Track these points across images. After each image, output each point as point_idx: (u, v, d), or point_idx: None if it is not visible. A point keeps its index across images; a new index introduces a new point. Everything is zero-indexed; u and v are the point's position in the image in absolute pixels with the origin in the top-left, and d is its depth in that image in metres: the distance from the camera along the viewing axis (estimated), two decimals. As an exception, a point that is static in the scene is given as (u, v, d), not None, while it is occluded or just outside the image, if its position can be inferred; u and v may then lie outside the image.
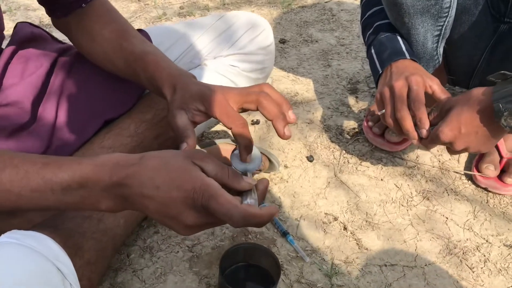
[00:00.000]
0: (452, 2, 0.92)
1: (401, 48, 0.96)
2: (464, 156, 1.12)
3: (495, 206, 0.99)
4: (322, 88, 1.37)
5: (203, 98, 0.67)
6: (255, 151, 0.68)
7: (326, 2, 1.89)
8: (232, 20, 1.01)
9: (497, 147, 1.05)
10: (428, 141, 0.83)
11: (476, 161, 1.07)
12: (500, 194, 1.01)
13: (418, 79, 0.86)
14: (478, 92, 0.77)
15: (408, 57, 0.94)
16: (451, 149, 0.84)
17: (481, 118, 0.76)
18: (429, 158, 1.11)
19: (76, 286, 0.55)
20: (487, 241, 0.92)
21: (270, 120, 0.65)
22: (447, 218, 0.96)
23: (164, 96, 0.73)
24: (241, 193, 0.56)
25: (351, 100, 1.32)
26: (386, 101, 0.89)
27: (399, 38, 0.98)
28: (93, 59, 0.87)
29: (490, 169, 1.02)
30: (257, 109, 0.66)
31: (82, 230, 0.70)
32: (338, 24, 1.72)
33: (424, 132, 0.83)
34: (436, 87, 0.86)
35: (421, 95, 0.84)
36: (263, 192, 0.58)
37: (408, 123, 0.84)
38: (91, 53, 0.86)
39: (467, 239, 0.92)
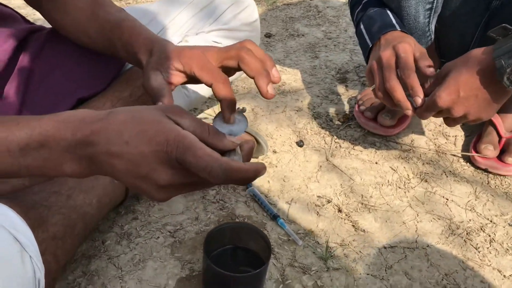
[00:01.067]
0: None
1: (391, 20, 0.92)
2: (460, 139, 1.07)
3: (496, 187, 0.94)
4: (311, 78, 1.32)
5: (180, 55, 0.61)
6: (239, 112, 0.61)
7: (311, 0, 1.86)
8: (213, -3, 0.96)
9: (495, 127, 1.01)
10: (424, 109, 0.77)
11: (474, 142, 1.03)
12: (501, 175, 0.96)
13: (405, 46, 0.80)
14: (477, 52, 0.73)
15: (399, 29, 0.89)
16: (449, 119, 0.78)
17: (481, 79, 0.71)
18: (424, 141, 1.06)
19: (36, 259, 0.47)
20: (491, 221, 0.86)
21: (251, 77, 0.59)
22: (447, 199, 0.90)
23: (140, 62, 0.67)
24: (223, 154, 0.49)
25: (341, 89, 1.27)
26: (374, 74, 0.83)
27: (388, 12, 0.94)
28: (66, 32, 0.81)
29: (490, 149, 0.97)
30: (239, 66, 0.60)
31: (48, 203, 0.62)
32: (324, 20, 1.69)
33: (418, 100, 0.77)
34: (418, 54, 0.81)
35: (410, 62, 0.79)
36: (249, 152, 0.51)
37: (399, 93, 0.79)
38: (64, 26, 0.80)
39: (470, 220, 0.86)
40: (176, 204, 0.87)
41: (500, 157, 0.97)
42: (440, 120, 1.13)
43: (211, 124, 0.53)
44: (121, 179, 0.45)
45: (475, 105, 0.74)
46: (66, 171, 0.46)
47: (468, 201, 0.90)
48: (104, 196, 0.74)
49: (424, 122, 1.13)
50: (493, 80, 0.70)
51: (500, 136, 1.00)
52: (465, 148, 1.04)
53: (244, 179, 0.44)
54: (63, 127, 0.45)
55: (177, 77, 0.62)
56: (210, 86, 0.60)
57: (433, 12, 0.94)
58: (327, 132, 1.09)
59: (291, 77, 1.33)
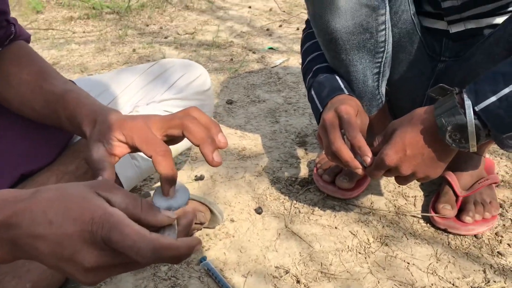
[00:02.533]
0: (387, 36, 0.92)
1: (340, 85, 0.94)
2: (420, 200, 1.07)
3: (457, 247, 0.92)
4: (271, 142, 1.32)
5: (122, 126, 0.60)
6: (181, 185, 0.59)
7: (272, 67, 1.92)
8: (167, 65, 0.97)
9: (451, 186, 1.01)
10: (373, 168, 0.77)
11: (432, 202, 1.02)
12: (460, 235, 0.95)
13: (347, 107, 0.82)
14: (420, 111, 0.74)
15: (346, 93, 0.91)
16: (399, 177, 0.78)
17: (425, 137, 0.72)
18: (384, 203, 1.05)
19: None
20: (453, 284, 0.83)
21: (197, 146, 0.58)
22: (408, 263, 0.88)
23: (85, 134, 0.65)
24: (158, 230, 0.46)
25: (300, 152, 1.27)
26: (322, 137, 0.84)
27: (337, 77, 0.96)
28: (10, 104, 0.79)
29: (447, 209, 0.97)
30: (183, 135, 0.59)
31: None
32: (284, 86, 1.73)
33: (367, 159, 0.77)
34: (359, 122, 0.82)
35: (353, 123, 0.80)
36: (186, 227, 0.49)
37: (345, 154, 0.79)
38: (8, 99, 0.78)
39: (432, 284, 0.83)
40: (124, 284, 0.82)
41: (459, 216, 0.97)
42: (399, 180, 1.13)
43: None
44: (46, 263, 0.42)
45: (422, 163, 0.74)
46: None
47: (430, 264, 0.87)
48: (40, 281, 0.69)
49: (383, 183, 1.12)
50: (437, 139, 0.71)
51: (456, 195, 1.00)
52: (425, 208, 1.03)
53: (176, 257, 0.41)
54: None
55: (120, 148, 0.60)
56: (150, 157, 0.58)
57: (381, 76, 0.97)
58: (287, 197, 1.07)
59: (251, 142, 1.32)
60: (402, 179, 0.78)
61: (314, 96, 0.97)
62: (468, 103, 0.67)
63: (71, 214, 0.40)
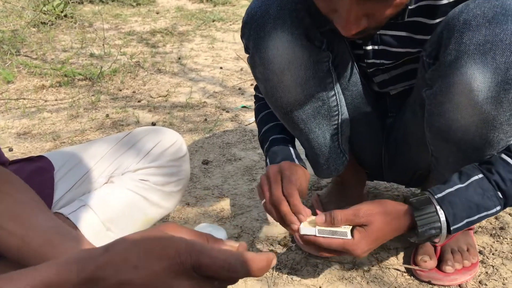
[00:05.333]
0: (338, 100, 0.96)
1: (291, 154, 0.98)
2: (401, 251, 1.06)
3: (443, 298, 0.91)
4: (249, 201, 1.32)
5: None
6: (212, 225, 0.59)
7: (246, 125, 1.95)
8: (140, 135, 0.97)
9: None
10: (336, 247, 0.77)
11: (412, 254, 1.02)
12: (444, 286, 0.94)
13: (288, 164, 0.88)
14: (397, 208, 0.79)
15: (296, 162, 0.95)
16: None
17: (395, 232, 0.79)
18: (366, 258, 1.04)
19: None
20: None
21: None
22: (396, 320, 0.86)
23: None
24: None
25: (280, 210, 1.26)
26: (264, 189, 0.87)
27: (290, 148, 1.00)
28: None
29: (426, 260, 0.97)
30: None
31: None
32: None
33: (301, 217, 0.80)
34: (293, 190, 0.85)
35: (292, 180, 0.84)
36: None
37: (284, 207, 0.81)
38: None
39: None
40: None
41: (439, 266, 0.96)
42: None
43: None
44: None
45: (373, 248, 0.80)
46: None
47: (418, 319, 0.86)
48: None
49: (363, 236, 1.12)
50: (401, 232, 0.79)
51: (434, 245, 1.00)
52: (407, 260, 1.03)
53: (261, 269, 0.43)
54: (65, 269, 0.42)
55: None
56: None
57: (340, 135, 1.01)
58: (268, 258, 1.05)
59: (229, 202, 1.31)
60: (332, 254, 0.81)
61: (269, 164, 1.00)
62: (444, 225, 0.77)
63: (154, 254, 0.42)
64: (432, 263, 0.96)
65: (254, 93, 1.17)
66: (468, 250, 0.99)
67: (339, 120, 0.98)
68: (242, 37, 0.89)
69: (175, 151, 0.96)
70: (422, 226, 0.76)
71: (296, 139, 1.05)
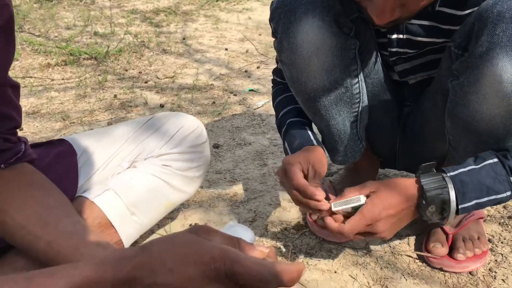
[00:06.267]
0: (360, 88, 0.98)
1: (309, 137, 1.00)
2: (413, 239, 1.09)
3: (454, 285, 0.94)
4: (261, 186, 1.34)
5: None
6: (239, 225, 0.62)
7: (255, 109, 1.95)
8: (162, 121, 0.98)
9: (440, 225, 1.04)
10: (356, 220, 0.80)
11: (424, 242, 1.05)
12: (456, 273, 0.97)
13: (290, 159, 0.90)
14: (405, 182, 0.81)
15: (315, 143, 0.96)
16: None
17: (407, 205, 0.80)
18: (379, 243, 1.07)
19: None
20: (456, 324, 0.85)
21: None
22: (410, 304, 0.89)
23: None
24: None
25: (292, 195, 1.28)
26: (282, 179, 0.91)
27: (308, 131, 1.02)
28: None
29: (438, 247, 0.99)
30: None
31: None
32: (268, 128, 1.76)
33: (318, 198, 0.83)
34: (312, 174, 0.89)
35: (294, 173, 0.87)
36: (274, 259, 0.52)
37: (308, 188, 0.84)
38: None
39: (435, 325, 0.85)
40: None
41: (451, 254, 0.99)
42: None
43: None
44: None
45: (393, 225, 0.81)
46: None
47: (431, 305, 0.89)
48: None
49: (375, 223, 1.15)
50: (413, 209, 0.81)
51: (446, 234, 1.02)
52: (418, 247, 1.06)
53: (292, 280, 0.45)
54: (103, 269, 0.44)
55: None
56: None
57: (358, 123, 1.03)
58: (283, 243, 1.08)
59: (242, 187, 1.33)
60: (357, 237, 0.83)
61: (287, 147, 1.02)
62: (453, 204, 0.78)
63: (189, 259, 0.43)
64: (443, 250, 0.99)
65: (260, 77, 1.18)
66: (478, 238, 1.02)
67: (359, 108, 1.00)
68: (271, 21, 0.89)
69: (196, 137, 0.97)
70: (429, 191, 0.77)
71: (313, 125, 1.07)
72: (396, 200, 0.79)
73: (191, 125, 0.97)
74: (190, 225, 1.14)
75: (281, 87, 1.16)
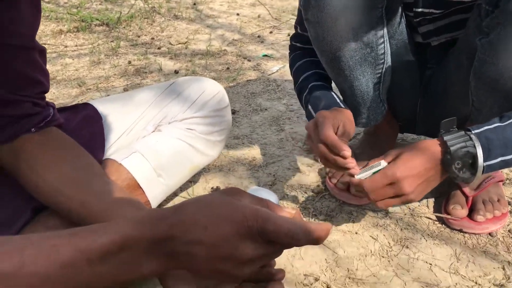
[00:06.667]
0: (386, 49, 0.97)
1: (335, 99, 0.99)
2: (431, 201, 1.11)
3: (474, 246, 0.96)
4: (279, 151, 1.35)
5: None
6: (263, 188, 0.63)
7: (269, 74, 1.94)
8: (184, 86, 0.98)
9: (460, 188, 1.04)
10: (378, 177, 0.79)
11: (444, 204, 1.06)
12: (476, 234, 0.99)
13: (324, 113, 0.89)
14: (429, 142, 0.81)
15: (342, 106, 0.96)
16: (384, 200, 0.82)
17: (432, 164, 0.79)
18: (398, 206, 1.09)
19: None
20: (476, 283, 0.87)
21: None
22: (430, 264, 0.91)
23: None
24: None
25: (310, 160, 1.29)
26: (311, 133, 0.90)
27: (332, 93, 1.01)
28: (37, 192, 0.73)
29: (458, 209, 1.00)
30: None
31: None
32: (284, 93, 1.76)
33: (346, 154, 0.82)
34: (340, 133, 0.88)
35: (325, 126, 0.85)
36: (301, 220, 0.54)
37: (335, 140, 0.83)
38: (34, 183, 0.73)
39: (456, 284, 0.87)
40: None
41: (470, 215, 1.01)
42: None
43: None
44: (200, 267, 0.46)
45: (421, 185, 0.80)
46: (143, 271, 0.46)
47: (451, 264, 0.91)
48: None
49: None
50: (440, 169, 0.80)
51: (466, 195, 1.03)
52: (438, 209, 1.07)
53: (320, 237, 0.47)
54: (142, 227, 0.45)
55: None
56: None
57: (381, 85, 1.03)
58: (303, 205, 1.10)
59: (260, 152, 1.34)
60: (387, 201, 0.82)
61: (312, 110, 1.01)
62: (480, 160, 0.77)
63: (223, 217, 0.45)
64: (463, 212, 1.00)
65: (273, 42, 1.17)
66: (498, 200, 1.03)
67: (383, 69, 0.99)
68: None
69: (218, 101, 0.98)
70: (453, 145, 0.77)
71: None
72: (420, 159, 0.79)
73: (213, 89, 0.97)
74: (212, 188, 1.16)
75: (299, 52, 1.15)
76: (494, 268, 0.90)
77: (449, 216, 1.00)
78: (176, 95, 0.95)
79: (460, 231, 1.00)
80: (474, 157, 0.77)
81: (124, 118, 0.93)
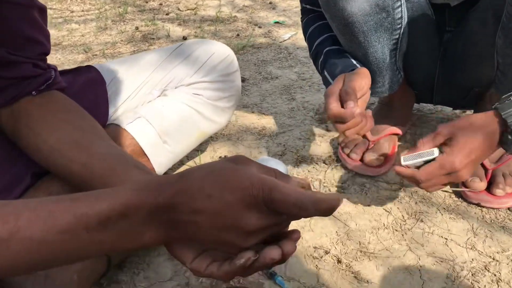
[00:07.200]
0: (403, 13, 0.91)
1: (352, 62, 0.94)
2: (448, 174, 1.06)
3: (492, 221, 0.92)
4: (290, 120, 1.30)
5: None
6: (272, 161, 0.58)
7: (280, 42, 1.88)
8: (192, 48, 0.93)
9: None
10: (436, 168, 0.74)
11: (461, 177, 1.01)
12: (494, 208, 0.95)
13: (328, 90, 0.84)
14: (480, 116, 0.73)
15: (359, 66, 0.91)
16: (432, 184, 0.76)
17: (487, 142, 0.72)
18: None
19: None
20: (493, 259, 0.83)
21: None
22: (446, 239, 0.88)
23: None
24: None
25: (321, 130, 1.25)
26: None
27: (349, 56, 0.96)
28: (38, 155, 0.71)
29: (476, 181, 0.95)
30: None
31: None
32: (296, 61, 1.70)
33: (350, 104, 0.79)
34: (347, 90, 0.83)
35: (328, 104, 0.81)
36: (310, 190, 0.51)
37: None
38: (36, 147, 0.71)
39: (472, 259, 0.83)
40: (163, 269, 0.81)
41: (489, 189, 0.96)
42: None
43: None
44: (203, 236, 0.44)
45: (475, 167, 0.74)
46: (144, 240, 0.44)
47: (468, 239, 0.87)
48: (83, 270, 0.67)
49: (409, 158, 1.11)
50: (494, 143, 0.72)
51: (486, 169, 0.99)
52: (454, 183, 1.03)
53: (330, 208, 0.44)
54: (144, 195, 0.43)
55: None
56: None
57: (398, 51, 0.97)
58: (314, 176, 1.06)
59: (270, 121, 1.30)
60: (437, 187, 0.77)
61: (328, 76, 0.96)
62: None
63: (228, 185, 0.42)
64: (482, 185, 0.96)
65: (286, 8, 1.10)
66: None
67: (400, 35, 0.94)
68: None
69: (227, 66, 0.93)
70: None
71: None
72: (478, 142, 0.72)
73: (222, 52, 0.92)
74: (220, 157, 1.13)
75: (312, 16, 1.08)
76: (513, 244, 0.86)
77: (467, 189, 0.96)
78: (183, 58, 0.91)
79: (478, 205, 0.95)
80: None
81: (129, 81, 0.89)
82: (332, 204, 0.44)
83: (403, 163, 0.76)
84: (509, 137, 0.71)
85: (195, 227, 0.43)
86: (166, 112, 0.86)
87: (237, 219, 0.43)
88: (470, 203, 0.96)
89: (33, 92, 0.71)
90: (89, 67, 0.89)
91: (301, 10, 1.14)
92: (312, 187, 0.52)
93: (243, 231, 0.43)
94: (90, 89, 0.85)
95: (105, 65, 0.91)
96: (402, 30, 0.94)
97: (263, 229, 0.44)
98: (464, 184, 0.97)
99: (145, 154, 0.82)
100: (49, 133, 0.69)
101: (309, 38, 1.08)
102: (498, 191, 0.94)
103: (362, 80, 0.86)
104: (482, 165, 0.99)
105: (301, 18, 1.14)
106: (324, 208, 0.43)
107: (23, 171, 0.73)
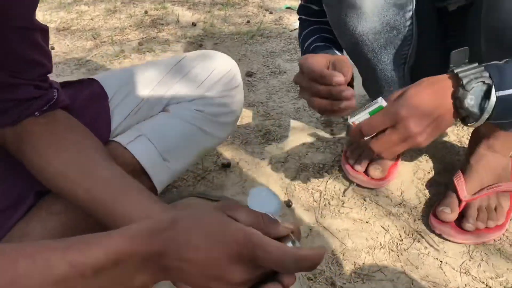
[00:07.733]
0: (413, 31, 0.89)
1: (334, 51, 0.93)
2: (450, 189, 1.06)
3: (489, 244, 0.92)
4: (294, 122, 1.30)
5: None
6: (267, 190, 0.59)
7: (291, 30, 1.84)
8: (194, 62, 0.92)
9: (455, 190, 0.95)
10: (380, 116, 0.67)
11: (436, 204, 0.97)
12: (458, 243, 0.91)
13: (304, 56, 0.81)
14: (437, 76, 0.69)
15: (338, 53, 0.91)
16: (382, 142, 0.69)
17: (441, 98, 0.66)
18: (414, 193, 1.05)
19: None
20: (486, 285, 0.84)
21: None
22: (441, 261, 0.89)
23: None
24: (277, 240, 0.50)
25: (326, 134, 1.25)
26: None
27: (334, 50, 0.95)
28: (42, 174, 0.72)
29: (446, 212, 0.91)
30: None
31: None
32: (305, 53, 1.67)
33: (337, 79, 0.72)
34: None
35: (308, 63, 0.77)
36: (298, 236, 0.53)
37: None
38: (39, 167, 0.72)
39: (465, 285, 0.84)
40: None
41: (460, 222, 0.92)
42: (429, 166, 1.12)
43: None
44: (194, 281, 0.46)
45: (429, 126, 0.67)
46: (135, 284, 0.46)
47: (463, 263, 0.88)
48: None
49: (413, 169, 1.11)
50: (449, 104, 0.67)
51: (459, 199, 0.93)
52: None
53: (313, 265, 0.45)
54: (136, 242, 0.45)
55: None
56: None
57: (406, 65, 0.97)
58: (315, 187, 1.07)
59: (275, 123, 1.30)
60: (391, 148, 0.69)
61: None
62: (493, 91, 0.64)
63: (214, 239, 0.45)
64: (451, 216, 0.91)
65: None
66: (495, 209, 0.93)
67: (410, 51, 0.92)
68: None
69: (229, 81, 0.92)
70: (466, 76, 0.65)
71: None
72: (428, 94, 0.66)
73: (224, 68, 0.91)
74: (222, 164, 1.13)
75: (305, 24, 1.07)
76: (508, 269, 0.87)
77: (434, 218, 0.93)
78: (185, 73, 0.90)
79: (440, 236, 0.92)
80: (489, 90, 0.64)
81: (131, 96, 0.89)
82: (315, 261, 0.45)
83: (350, 120, 0.70)
84: (461, 90, 0.65)
85: (184, 273, 0.45)
86: (168, 130, 0.86)
87: (223, 273, 0.45)
88: (433, 232, 0.93)
89: (36, 113, 0.72)
90: (92, 80, 0.90)
91: (299, 19, 1.12)
92: (300, 232, 0.54)
93: (230, 283, 0.45)
94: (93, 105, 0.86)
95: (107, 77, 0.91)
96: (412, 46, 0.92)
97: (248, 280, 0.46)
98: (435, 213, 0.94)
99: (146, 173, 0.84)
100: (53, 155, 0.71)
101: (301, 43, 1.06)
102: (468, 225, 0.90)
103: (341, 59, 0.81)
104: (457, 195, 0.94)
105: (299, 26, 1.11)
106: (306, 266, 0.45)
107: (27, 189, 0.75)
